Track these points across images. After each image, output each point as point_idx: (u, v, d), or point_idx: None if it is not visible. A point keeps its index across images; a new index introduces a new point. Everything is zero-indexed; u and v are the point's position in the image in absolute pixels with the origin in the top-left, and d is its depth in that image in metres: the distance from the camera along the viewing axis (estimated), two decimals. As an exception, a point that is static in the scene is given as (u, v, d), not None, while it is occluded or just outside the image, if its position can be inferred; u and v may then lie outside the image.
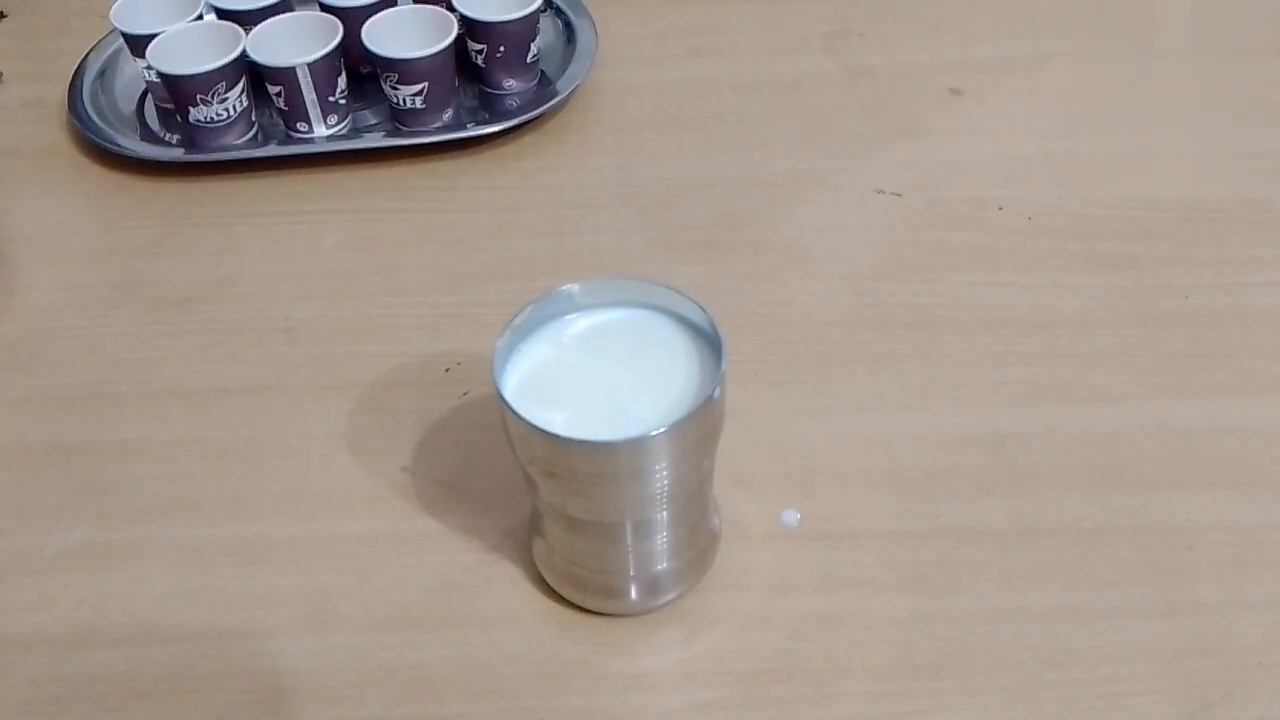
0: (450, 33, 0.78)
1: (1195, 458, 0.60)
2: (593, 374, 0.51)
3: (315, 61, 0.77)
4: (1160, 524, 0.58)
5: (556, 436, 0.47)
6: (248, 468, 0.62)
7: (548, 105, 0.82)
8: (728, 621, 0.54)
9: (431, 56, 0.78)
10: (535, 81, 0.86)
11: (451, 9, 0.81)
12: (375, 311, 0.70)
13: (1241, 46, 0.90)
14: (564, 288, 0.52)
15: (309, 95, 0.79)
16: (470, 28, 0.82)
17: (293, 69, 0.77)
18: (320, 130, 0.81)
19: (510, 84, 0.85)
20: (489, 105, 0.85)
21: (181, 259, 0.75)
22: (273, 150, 0.80)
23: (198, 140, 0.80)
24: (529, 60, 0.84)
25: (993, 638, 0.53)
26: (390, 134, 0.82)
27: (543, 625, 0.55)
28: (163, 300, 0.72)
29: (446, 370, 0.66)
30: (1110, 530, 0.57)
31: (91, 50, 0.89)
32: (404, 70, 0.78)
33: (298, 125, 0.81)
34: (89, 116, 0.83)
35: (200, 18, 0.82)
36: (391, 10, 0.81)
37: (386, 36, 0.79)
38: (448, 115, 0.82)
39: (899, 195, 0.77)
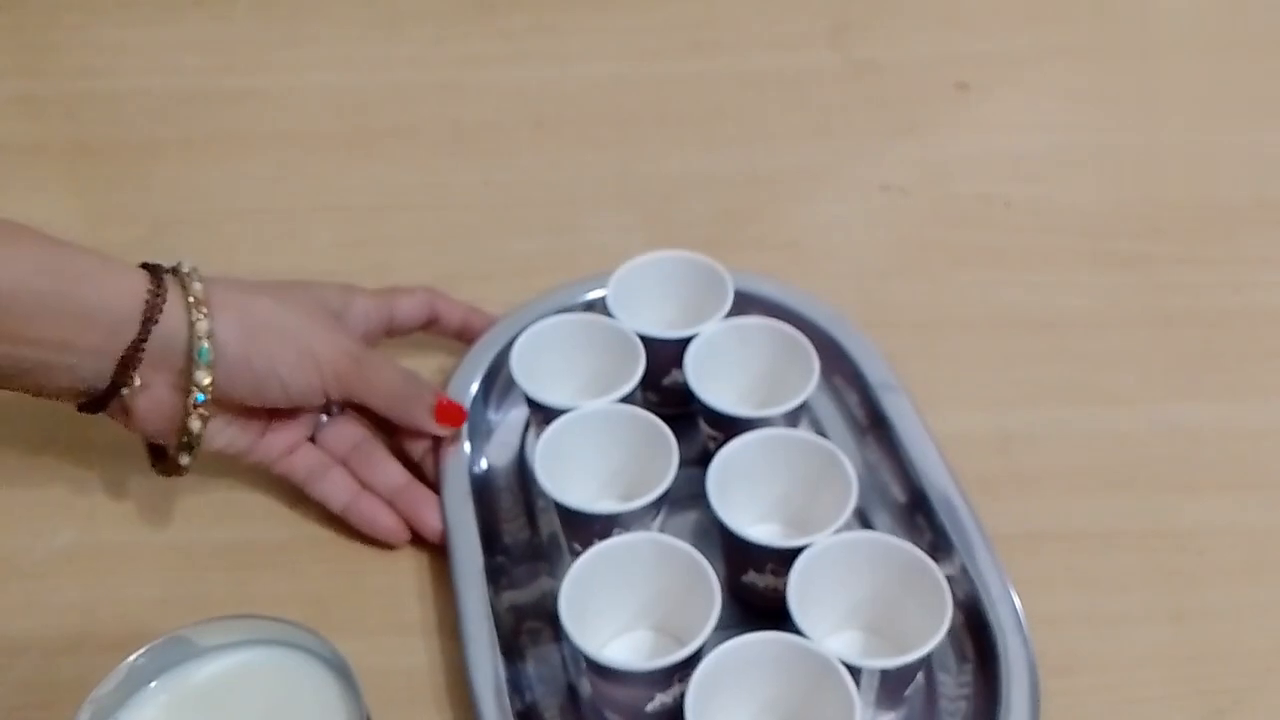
0: None
1: (1206, 460, 0.60)
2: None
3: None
4: (1170, 527, 0.57)
5: None
6: (241, 469, 0.61)
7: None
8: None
9: None
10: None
11: None
12: (373, 310, 0.70)
13: (1256, 42, 0.89)
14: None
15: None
16: None
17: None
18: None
19: None
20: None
21: (180, 258, 0.74)
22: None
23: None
24: None
25: (999, 643, 0.53)
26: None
27: (541, 630, 0.54)
28: (157, 298, 0.71)
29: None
30: (1119, 533, 0.57)
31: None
32: None
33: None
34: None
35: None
36: None
37: None
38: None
39: (905, 192, 0.76)
